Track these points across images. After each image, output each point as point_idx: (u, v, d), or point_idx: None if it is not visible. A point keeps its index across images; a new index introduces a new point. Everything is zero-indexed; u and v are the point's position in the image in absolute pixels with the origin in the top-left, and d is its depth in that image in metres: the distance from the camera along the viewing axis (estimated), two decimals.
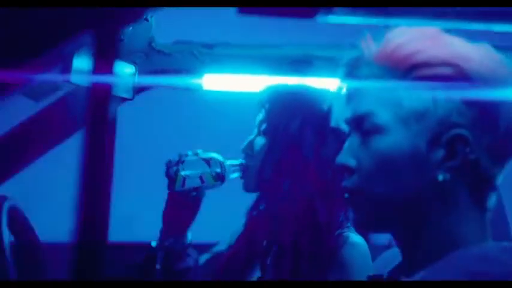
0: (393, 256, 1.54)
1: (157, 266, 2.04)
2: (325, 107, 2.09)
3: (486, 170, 1.20)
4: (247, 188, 2.12)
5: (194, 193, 1.99)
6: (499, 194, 1.26)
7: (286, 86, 2.16)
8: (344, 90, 1.28)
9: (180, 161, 1.93)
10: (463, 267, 1.16)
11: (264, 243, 2.03)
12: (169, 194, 2.00)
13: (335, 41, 2.39)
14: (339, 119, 2.05)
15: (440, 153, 1.19)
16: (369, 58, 1.24)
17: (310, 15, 1.08)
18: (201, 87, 2.33)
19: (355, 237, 1.97)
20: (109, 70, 0.90)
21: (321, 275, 1.91)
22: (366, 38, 1.25)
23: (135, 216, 2.66)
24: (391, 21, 1.19)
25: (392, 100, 1.20)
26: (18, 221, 1.35)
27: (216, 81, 2.35)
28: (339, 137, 2.04)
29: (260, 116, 2.14)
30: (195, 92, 2.33)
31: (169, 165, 1.93)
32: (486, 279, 1.12)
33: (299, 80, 2.26)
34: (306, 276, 1.90)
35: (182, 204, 2.00)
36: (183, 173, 1.93)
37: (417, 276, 1.19)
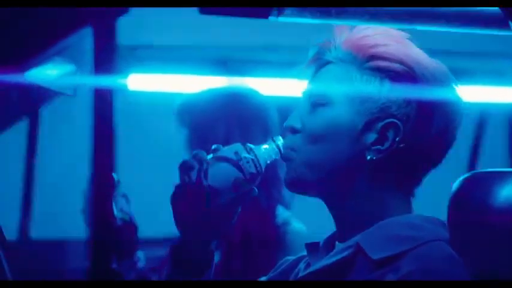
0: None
1: None
2: (243, 103, 2.17)
3: (412, 163, 1.38)
4: None
5: None
6: None
7: (197, 95, 2.21)
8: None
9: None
10: (392, 232, 1.33)
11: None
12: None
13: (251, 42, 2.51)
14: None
15: (372, 136, 1.36)
16: (338, 42, 1.40)
17: (264, 16, 1.19)
18: (126, 87, 2.42)
19: (296, 225, 2.11)
20: (110, 66, 0.98)
21: (268, 263, 2.02)
22: (341, 26, 1.41)
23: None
24: (337, 21, 1.33)
25: (345, 81, 1.37)
26: None
27: (140, 81, 2.44)
28: (264, 128, 2.15)
29: (186, 133, 2.18)
30: (120, 92, 2.40)
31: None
32: (412, 243, 1.31)
33: (213, 81, 2.35)
34: (255, 265, 2.02)
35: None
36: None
37: (351, 241, 1.35)
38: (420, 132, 1.36)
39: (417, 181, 1.40)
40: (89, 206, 1.92)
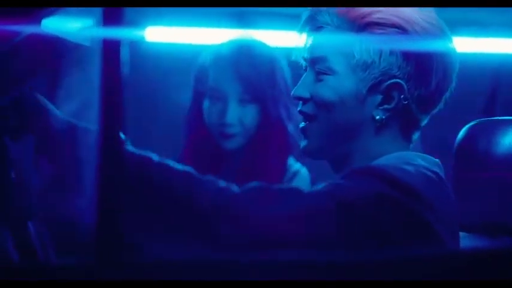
0: None
1: None
2: (258, 55, 2.17)
3: (414, 114, 1.45)
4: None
5: None
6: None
7: (220, 46, 2.17)
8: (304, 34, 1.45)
9: None
10: (384, 164, 1.39)
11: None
12: None
13: None
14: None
15: (378, 97, 1.43)
16: (332, 9, 1.44)
17: None
18: (144, 39, 2.46)
19: (303, 170, 2.15)
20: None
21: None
22: None
23: None
24: None
25: (346, 50, 1.42)
26: None
27: (158, 34, 2.48)
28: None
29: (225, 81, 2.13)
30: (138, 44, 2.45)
31: None
32: (401, 173, 1.36)
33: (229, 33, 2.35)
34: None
35: None
36: None
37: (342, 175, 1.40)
38: (422, 86, 1.42)
39: (418, 128, 1.47)
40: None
